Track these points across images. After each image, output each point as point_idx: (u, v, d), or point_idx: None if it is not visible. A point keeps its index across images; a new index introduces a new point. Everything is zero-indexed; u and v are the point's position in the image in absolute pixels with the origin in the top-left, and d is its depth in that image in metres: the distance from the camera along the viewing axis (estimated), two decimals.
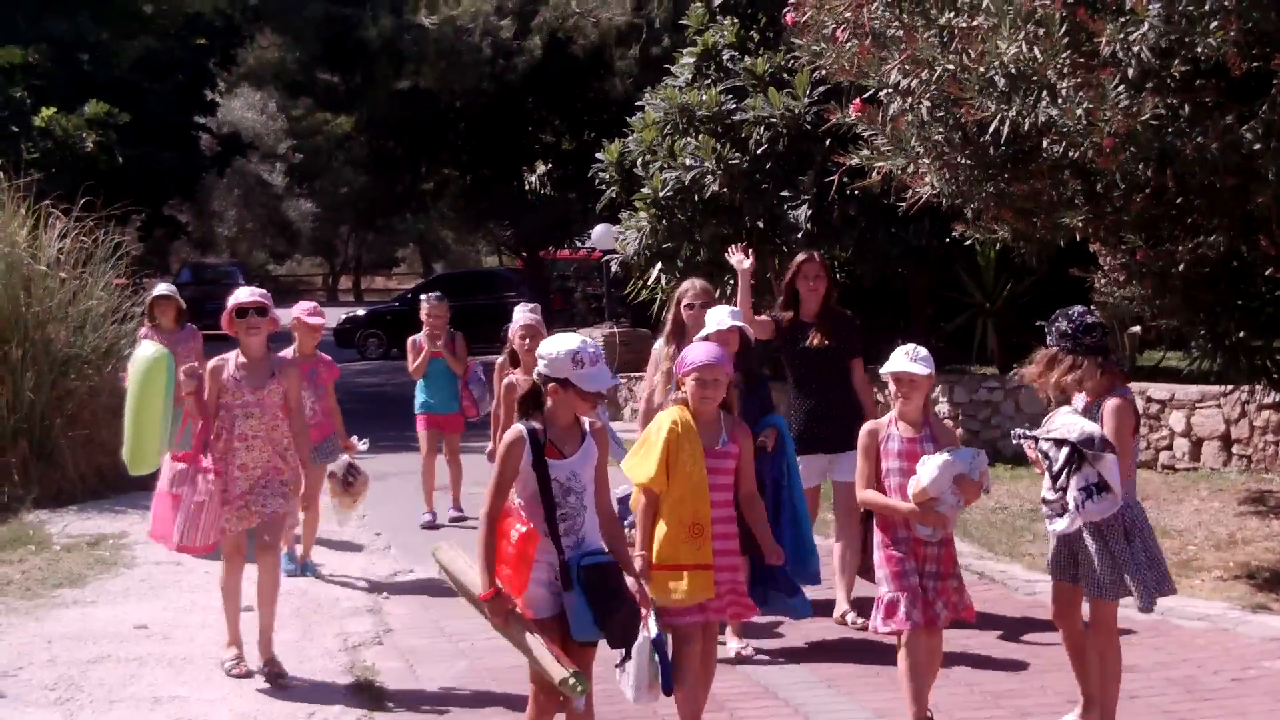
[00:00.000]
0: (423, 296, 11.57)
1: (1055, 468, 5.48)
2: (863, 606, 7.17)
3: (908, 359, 5.74)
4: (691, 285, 7.63)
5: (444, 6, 27.65)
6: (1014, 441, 6.00)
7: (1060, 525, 5.56)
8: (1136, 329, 13.30)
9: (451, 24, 27.56)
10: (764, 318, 7.97)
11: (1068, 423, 5.55)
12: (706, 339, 6.45)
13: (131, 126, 22.11)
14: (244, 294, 7.07)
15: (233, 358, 6.99)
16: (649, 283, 15.34)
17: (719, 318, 6.85)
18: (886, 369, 5.81)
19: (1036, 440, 5.60)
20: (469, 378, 11.09)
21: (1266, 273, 8.05)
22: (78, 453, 12.16)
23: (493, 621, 5.16)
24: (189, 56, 26.63)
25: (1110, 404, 5.66)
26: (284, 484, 6.99)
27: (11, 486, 11.67)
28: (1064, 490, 5.47)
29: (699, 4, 15.65)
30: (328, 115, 36.82)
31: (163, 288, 10.70)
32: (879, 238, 13.62)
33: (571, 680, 4.96)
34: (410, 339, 11.38)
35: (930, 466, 5.59)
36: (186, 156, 26.62)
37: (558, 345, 5.14)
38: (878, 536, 5.81)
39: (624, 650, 5.25)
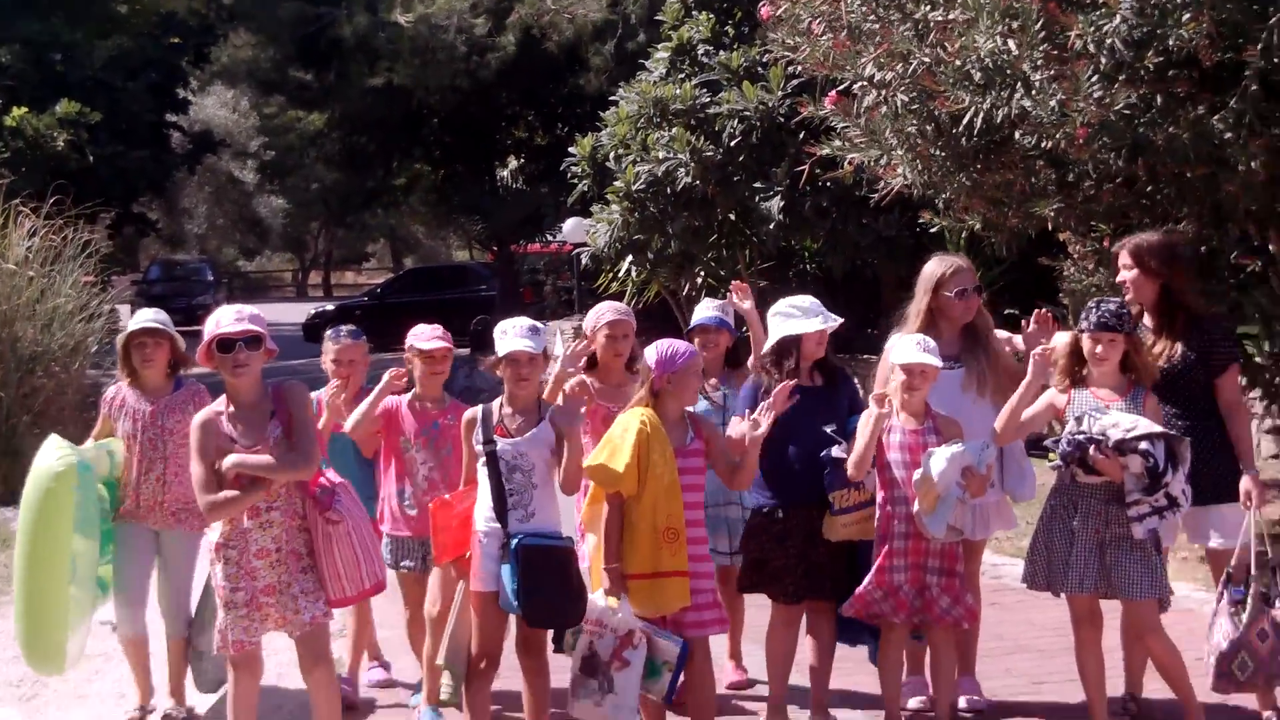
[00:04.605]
0: (327, 334, 7.08)
1: (1160, 465, 5.13)
2: None
3: (919, 349, 5.47)
4: (955, 266, 6.06)
5: (419, 4, 27.56)
6: (1065, 449, 5.32)
7: (1162, 524, 5.25)
8: None
9: (426, 21, 27.49)
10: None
11: (1125, 419, 5.20)
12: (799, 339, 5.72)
13: (103, 125, 22.10)
14: (228, 317, 4.94)
15: (223, 406, 5.02)
16: (619, 275, 15.34)
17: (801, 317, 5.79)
18: (896, 359, 5.55)
19: (1108, 441, 5.18)
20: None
21: (1232, 256, 8.12)
22: None
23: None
24: (162, 55, 26.54)
25: (1153, 397, 5.40)
26: (313, 569, 5.12)
27: None
28: (1166, 485, 5.15)
29: None
30: (300, 112, 36.68)
31: (146, 316, 6.37)
32: (850, 228, 13.71)
33: (445, 682, 5.42)
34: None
35: (938, 458, 5.33)
36: (158, 154, 26.58)
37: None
38: (879, 531, 5.52)
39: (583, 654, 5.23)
